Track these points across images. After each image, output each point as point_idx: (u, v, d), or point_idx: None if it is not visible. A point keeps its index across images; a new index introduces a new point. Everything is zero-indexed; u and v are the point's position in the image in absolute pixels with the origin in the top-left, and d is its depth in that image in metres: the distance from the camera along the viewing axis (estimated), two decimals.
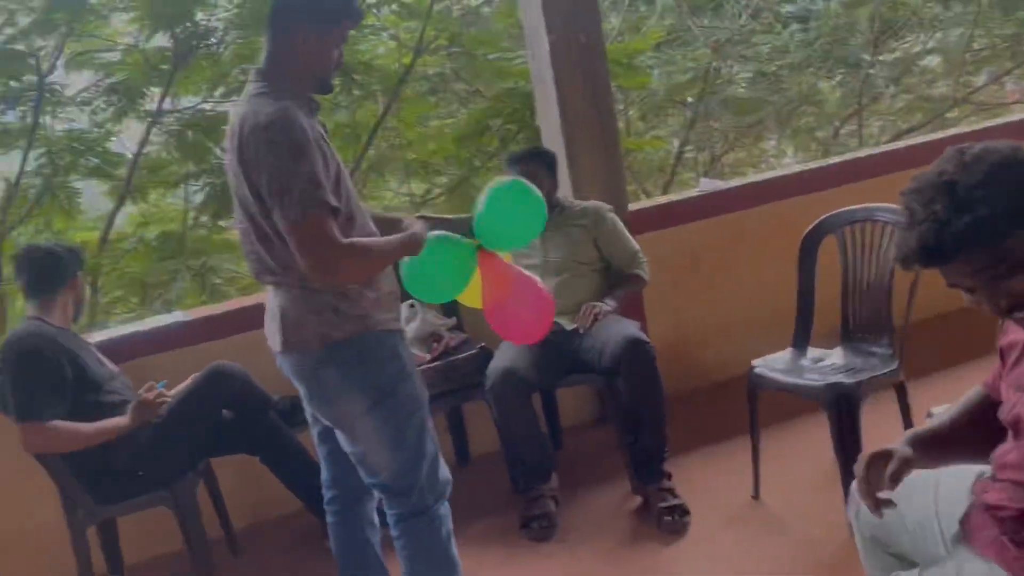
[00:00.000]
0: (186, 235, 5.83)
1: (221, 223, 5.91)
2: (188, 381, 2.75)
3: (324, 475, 2.21)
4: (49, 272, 2.71)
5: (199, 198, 5.90)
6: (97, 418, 2.59)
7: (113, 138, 6.03)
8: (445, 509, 2.06)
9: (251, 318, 3.24)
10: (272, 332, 1.98)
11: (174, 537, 2.88)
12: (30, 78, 5.42)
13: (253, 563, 3.01)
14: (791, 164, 9.58)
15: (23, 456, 2.77)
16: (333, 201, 1.80)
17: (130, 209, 6.47)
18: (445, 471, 2.06)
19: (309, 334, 1.90)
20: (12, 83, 5.39)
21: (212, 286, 5.29)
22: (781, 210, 3.76)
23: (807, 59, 8.15)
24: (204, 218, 5.97)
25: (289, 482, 2.85)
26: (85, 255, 2.93)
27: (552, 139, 3.41)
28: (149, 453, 2.59)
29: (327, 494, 2.21)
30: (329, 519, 2.21)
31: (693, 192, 3.91)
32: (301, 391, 2.03)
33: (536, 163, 3.04)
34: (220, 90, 6.16)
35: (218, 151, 6.06)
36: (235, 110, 1.92)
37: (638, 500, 2.91)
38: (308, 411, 2.11)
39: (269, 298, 2.01)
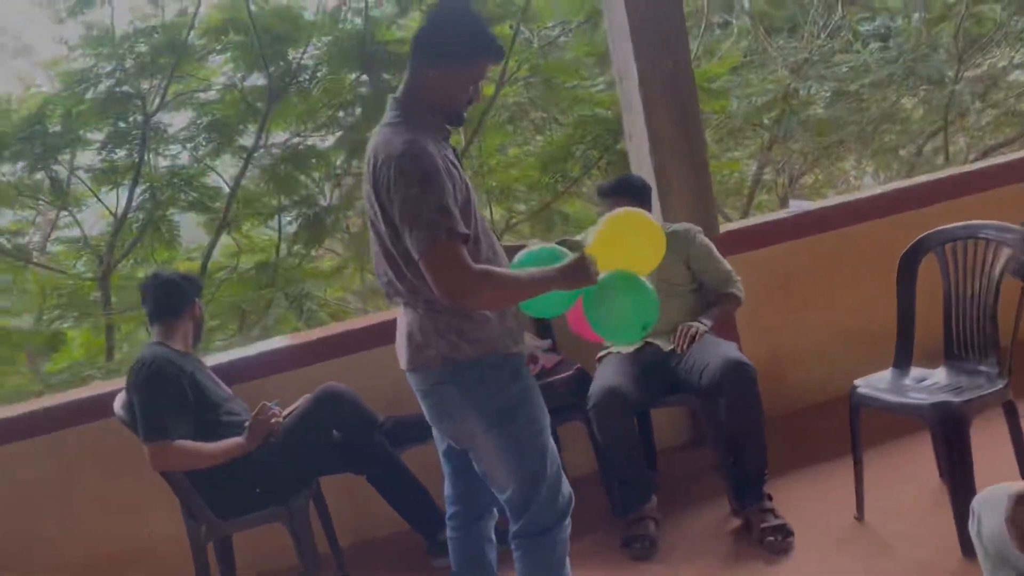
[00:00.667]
0: (279, 264, 6.05)
1: (313, 252, 6.14)
2: (300, 402, 2.87)
3: (447, 491, 2.28)
4: (170, 299, 2.88)
5: (291, 228, 6.13)
6: (216, 437, 2.73)
7: (211, 173, 6.34)
8: (565, 532, 2.08)
9: (349, 342, 3.41)
10: (400, 350, 2.07)
11: (282, 554, 3.01)
12: (136, 118, 5.74)
13: None
14: (872, 184, 9.42)
15: (144, 473, 2.92)
16: (463, 228, 1.87)
17: (223, 240, 6.77)
18: (567, 494, 2.09)
19: (433, 354, 1.98)
20: (120, 124, 5.72)
21: (308, 312, 5.48)
22: (874, 229, 3.73)
23: (889, 77, 8.04)
24: (296, 247, 6.19)
25: (395, 502, 2.94)
26: (203, 283, 3.09)
27: (641, 163, 3.46)
28: (266, 470, 2.71)
29: (449, 509, 2.28)
30: (450, 534, 2.28)
31: (783, 213, 3.90)
32: (424, 408, 2.10)
33: (623, 197, 3.02)
34: (309, 125, 6.42)
35: (308, 183, 6.33)
36: (371, 140, 2.01)
37: (737, 522, 2.91)
38: (434, 429, 2.19)
39: (399, 317, 2.09)
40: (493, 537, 2.27)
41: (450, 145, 2.04)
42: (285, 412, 2.84)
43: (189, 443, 2.65)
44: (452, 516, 2.27)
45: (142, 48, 5.48)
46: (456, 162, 2.00)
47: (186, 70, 5.80)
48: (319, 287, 6.20)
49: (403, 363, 2.07)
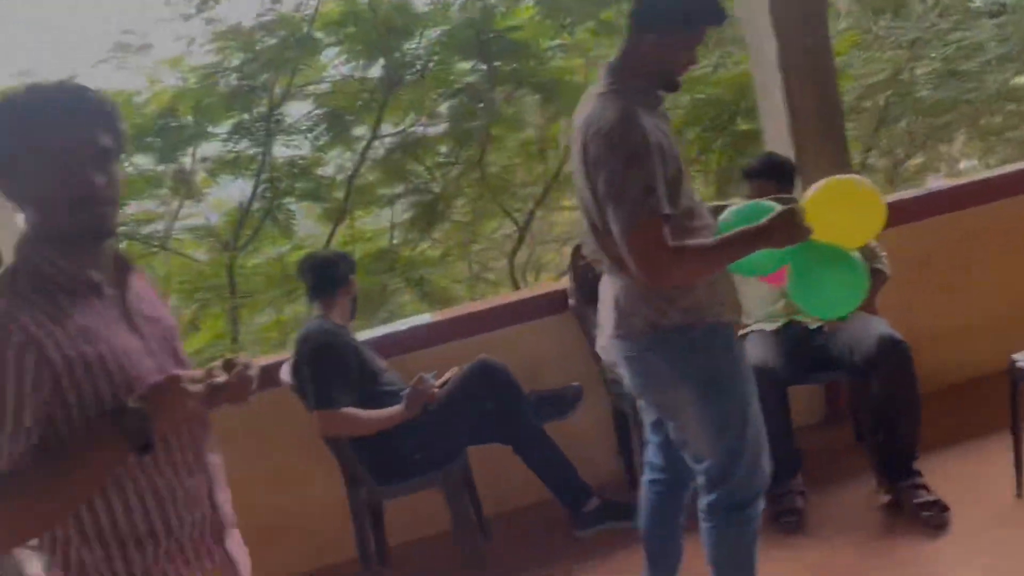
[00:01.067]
0: (394, 251, 6.22)
1: (426, 239, 6.29)
2: (456, 372, 2.97)
3: (651, 459, 2.28)
4: (327, 277, 3.02)
5: (404, 217, 6.29)
6: (376, 406, 2.86)
7: (326, 162, 6.56)
8: (759, 509, 2.05)
9: (488, 320, 3.51)
10: (606, 318, 2.07)
11: (426, 522, 3.18)
12: (260, 110, 5.98)
13: (503, 548, 3.17)
14: (976, 167, 9.10)
15: (304, 441, 3.09)
16: (666, 208, 1.83)
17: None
18: (766, 470, 2.06)
19: (639, 321, 1.96)
20: (244, 116, 5.96)
21: (428, 295, 5.63)
22: (1012, 208, 3.64)
23: (1004, 55, 7.75)
24: (411, 235, 6.35)
25: (543, 473, 3.01)
26: (355, 260, 3.22)
27: (777, 142, 3.45)
28: (424, 438, 2.82)
29: (650, 475, 2.28)
30: (648, 497, 2.28)
31: (921, 191, 3.84)
32: (627, 377, 2.09)
33: (770, 178, 2.99)
34: (420, 115, 6.57)
35: (421, 171, 6.48)
36: (580, 107, 2.01)
37: (885, 498, 2.89)
38: (639, 401, 2.21)
39: (604, 285, 2.10)
40: (683, 508, 2.27)
41: (662, 113, 2.01)
42: (439, 382, 2.94)
43: (355, 410, 2.79)
44: (653, 482, 2.27)
45: (268, 42, 5.70)
46: (666, 131, 1.97)
47: (306, 62, 6.00)
48: (430, 274, 6.34)
49: (608, 330, 2.05)
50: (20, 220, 1.36)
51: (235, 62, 5.73)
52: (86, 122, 1.30)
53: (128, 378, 1.29)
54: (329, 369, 2.79)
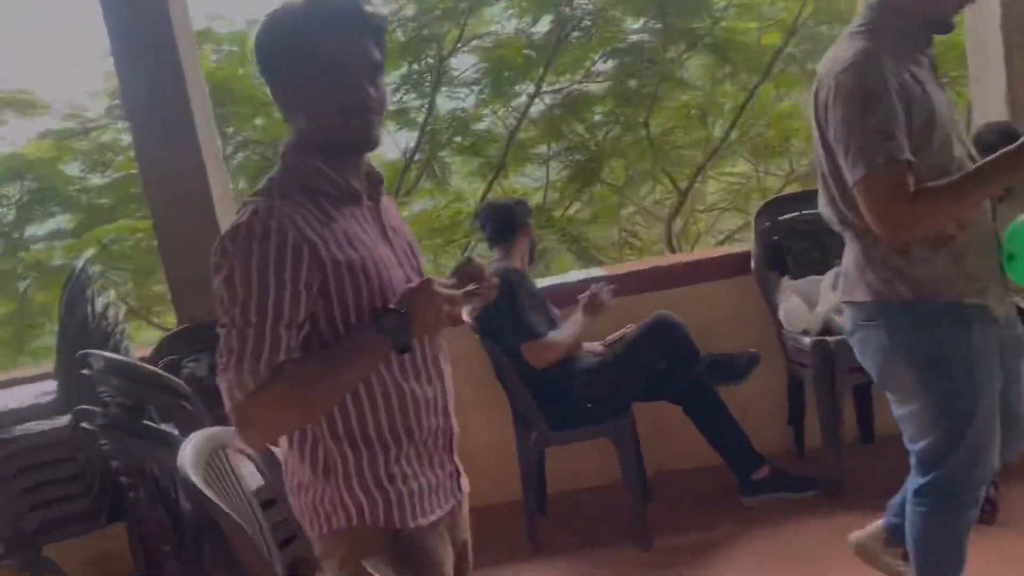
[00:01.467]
0: (547, 209, 6.23)
1: (581, 198, 6.26)
2: (633, 326, 2.94)
3: None
4: (505, 222, 3.06)
5: (563, 174, 6.27)
6: None
7: (483, 118, 6.61)
8: (973, 501, 1.90)
9: (663, 278, 3.45)
10: (840, 282, 1.98)
11: (576, 475, 3.18)
12: (427, 61, 6.07)
13: (663, 508, 3.14)
14: None
15: (469, 383, 3.13)
16: (906, 154, 1.67)
17: (480, 188, 7.03)
18: (991, 466, 1.89)
19: (863, 289, 1.84)
20: (413, 67, 6.07)
21: (585, 252, 5.62)
22: None
23: None
24: (568, 192, 6.33)
25: (712, 437, 2.96)
26: (531, 206, 3.24)
27: (989, 110, 3.22)
28: (598, 388, 2.83)
29: None
30: None
31: None
32: (853, 346, 1.97)
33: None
34: (580, 73, 6.51)
35: (580, 129, 6.43)
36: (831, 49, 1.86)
37: None
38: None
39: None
40: None
41: (926, 57, 1.81)
42: (617, 334, 2.92)
43: (554, 334, 2.84)
44: None
45: None
46: (922, 78, 1.74)
47: (476, 14, 6.04)
48: (585, 233, 6.32)
49: (838, 295, 1.98)
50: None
51: (409, 12, 5.82)
52: (361, 35, 1.33)
53: (383, 284, 1.33)
54: (524, 304, 2.84)
